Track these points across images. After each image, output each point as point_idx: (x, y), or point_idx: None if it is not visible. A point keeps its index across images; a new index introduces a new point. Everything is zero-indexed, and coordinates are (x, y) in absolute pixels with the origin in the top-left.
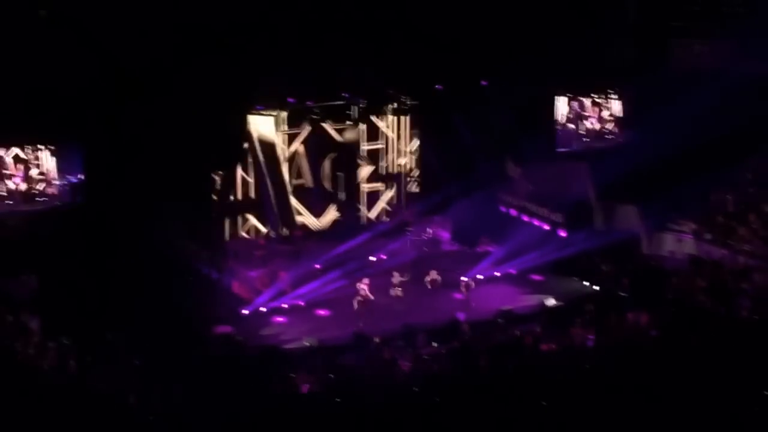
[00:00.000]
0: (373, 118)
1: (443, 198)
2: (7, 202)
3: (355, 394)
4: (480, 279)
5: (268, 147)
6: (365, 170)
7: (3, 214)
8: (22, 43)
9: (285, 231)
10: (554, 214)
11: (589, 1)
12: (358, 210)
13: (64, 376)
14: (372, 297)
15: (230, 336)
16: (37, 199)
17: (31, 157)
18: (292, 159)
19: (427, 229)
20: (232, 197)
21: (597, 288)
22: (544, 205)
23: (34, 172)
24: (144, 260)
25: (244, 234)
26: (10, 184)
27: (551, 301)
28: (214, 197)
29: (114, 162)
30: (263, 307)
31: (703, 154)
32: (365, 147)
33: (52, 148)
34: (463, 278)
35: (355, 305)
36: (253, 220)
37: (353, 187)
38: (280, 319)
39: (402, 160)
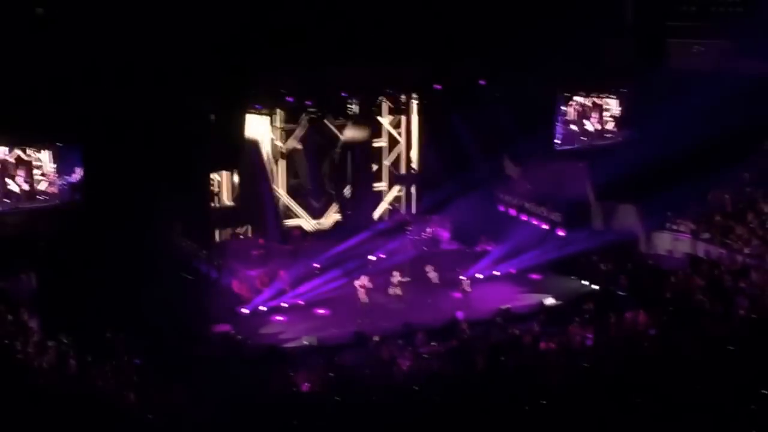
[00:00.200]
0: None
1: (442, 197)
2: (7, 201)
3: (355, 392)
4: (479, 278)
5: (260, 149)
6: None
7: (4, 213)
8: (21, 42)
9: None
10: (553, 214)
11: (587, 1)
12: (371, 210)
13: (64, 375)
14: (368, 292)
15: (229, 335)
16: (37, 197)
17: (32, 157)
18: (289, 156)
19: (427, 229)
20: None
21: (595, 287)
22: (542, 205)
23: (34, 172)
24: (143, 259)
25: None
26: (11, 184)
27: (550, 300)
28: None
29: (113, 161)
30: (262, 306)
31: (701, 153)
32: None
33: (52, 147)
34: (461, 277)
35: (361, 297)
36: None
37: (365, 187)
38: (279, 318)
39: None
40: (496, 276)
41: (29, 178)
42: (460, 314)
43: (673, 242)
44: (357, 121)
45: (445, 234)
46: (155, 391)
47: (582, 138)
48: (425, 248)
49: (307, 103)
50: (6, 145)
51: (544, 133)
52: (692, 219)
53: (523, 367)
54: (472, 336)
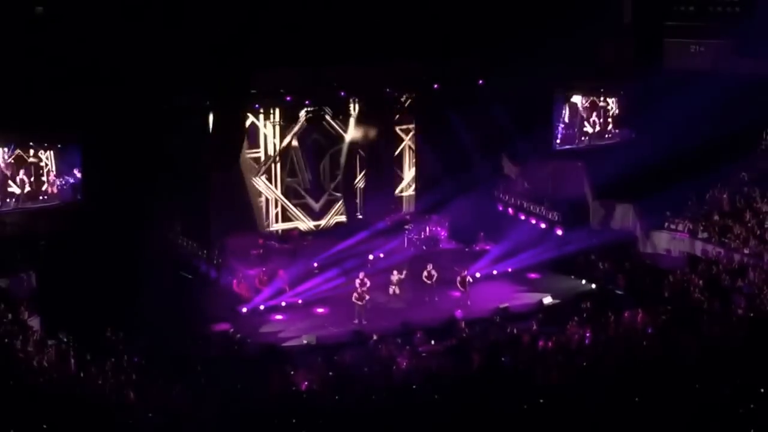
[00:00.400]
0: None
1: (441, 196)
2: (9, 201)
3: (354, 391)
4: (477, 277)
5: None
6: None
7: (5, 213)
8: (20, 42)
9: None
10: (551, 213)
11: (585, 1)
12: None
13: (64, 374)
14: (365, 294)
15: (229, 334)
16: (39, 198)
17: (33, 158)
18: (286, 154)
19: (426, 228)
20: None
21: (594, 286)
22: (541, 204)
23: (35, 173)
24: (143, 258)
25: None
26: (13, 186)
27: (548, 299)
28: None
29: (112, 161)
30: (262, 305)
31: (699, 153)
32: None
33: (53, 148)
34: (460, 276)
35: (356, 297)
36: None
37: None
38: (278, 317)
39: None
40: (494, 275)
41: (30, 179)
42: (458, 313)
43: (671, 241)
44: (364, 121)
45: (443, 233)
46: (155, 390)
47: (580, 138)
48: (424, 247)
49: (306, 102)
50: (5, 146)
51: (542, 132)
52: (690, 218)
53: (521, 366)
54: (471, 335)
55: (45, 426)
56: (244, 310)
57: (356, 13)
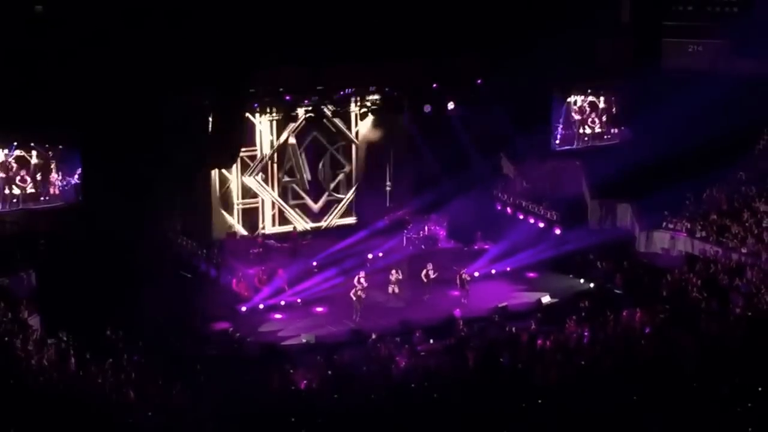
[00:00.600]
0: None
1: (440, 196)
2: (10, 201)
3: (353, 390)
4: (476, 276)
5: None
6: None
7: (6, 213)
8: (20, 41)
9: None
10: (549, 212)
11: (583, 1)
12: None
13: (64, 373)
14: (363, 293)
15: (228, 333)
16: (41, 198)
17: (35, 158)
18: (283, 152)
19: (424, 227)
20: None
21: (592, 285)
22: (539, 203)
23: (37, 173)
24: (143, 257)
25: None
26: (14, 188)
27: (547, 299)
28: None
29: (112, 160)
30: (261, 304)
31: (697, 152)
32: None
33: (53, 149)
34: (459, 275)
35: (353, 297)
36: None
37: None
38: (278, 316)
39: None
40: (493, 274)
41: (32, 180)
42: (457, 312)
43: (669, 241)
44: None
45: (442, 232)
46: (154, 389)
47: (579, 137)
48: (423, 247)
49: (305, 101)
50: (6, 146)
51: (541, 132)
52: (688, 218)
53: (520, 365)
54: (469, 334)
55: (45, 425)
56: (244, 309)
57: (356, 12)
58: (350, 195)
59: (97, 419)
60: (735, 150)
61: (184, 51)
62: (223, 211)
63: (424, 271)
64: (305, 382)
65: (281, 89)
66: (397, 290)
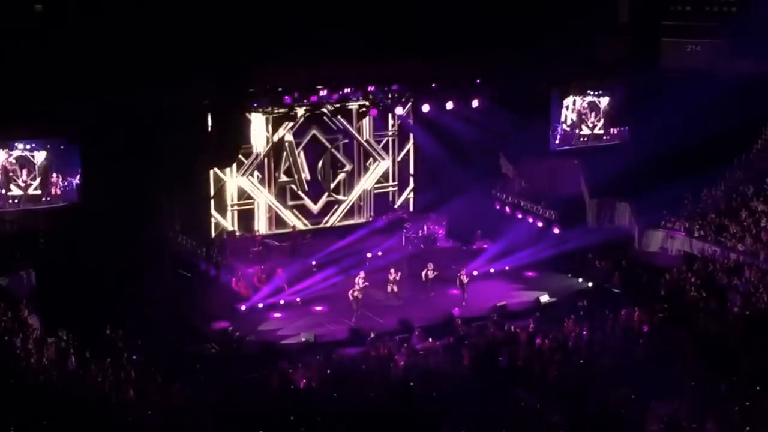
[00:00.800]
0: None
1: (439, 195)
2: (12, 202)
3: (352, 388)
4: (475, 275)
5: None
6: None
7: (7, 213)
8: (20, 40)
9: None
10: (548, 211)
11: (582, 0)
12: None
13: (63, 372)
14: (362, 292)
15: (228, 331)
16: (42, 199)
17: (36, 159)
18: (280, 150)
19: (423, 226)
20: None
21: (590, 284)
22: (538, 202)
23: (37, 174)
24: (142, 256)
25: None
26: (14, 189)
27: (545, 297)
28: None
29: (112, 160)
30: (260, 303)
31: (695, 152)
32: None
33: (54, 149)
34: (458, 277)
35: (351, 297)
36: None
37: None
38: (277, 315)
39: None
40: (492, 273)
41: (33, 181)
42: (456, 311)
43: (667, 240)
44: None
45: (441, 231)
46: (154, 388)
47: (578, 137)
48: (422, 246)
49: (304, 100)
50: (7, 147)
51: (539, 131)
52: (687, 217)
53: (518, 363)
54: (468, 332)
55: (44, 424)
56: (243, 308)
57: (355, 11)
58: (352, 197)
59: (96, 418)
60: (733, 149)
61: (184, 50)
62: (217, 213)
63: (425, 271)
64: (304, 381)
65: (280, 89)
66: (396, 289)
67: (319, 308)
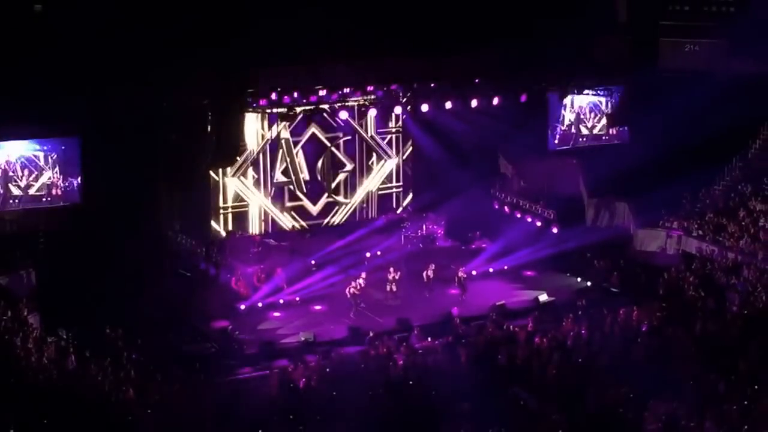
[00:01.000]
0: None
1: (438, 194)
2: (13, 202)
3: (351, 387)
4: (474, 275)
5: None
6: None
7: (7, 213)
8: (20, 39)
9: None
10: (547, 211)
11: (579, 0)
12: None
13: (63, 371)
14: (359, 289)
15: (227, 331)
16: (43, 200)
17: (34, 159)
18: (275, 147)
19: (422, 225)
20: None
21: (589, 283)
22: (536, 202)
23: (37, 173)
24: (142, 256)
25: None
26: (15, 186)
27: (544, 297)
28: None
29: (112, 159)
30: (260, 302)
31: (694, 151)
32: None
33: (56, 150)
34: (456, 275)
35: (348, 295)
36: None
37: None
38: (276, 314)
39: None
40: (490, 273)
41: (34, 181)
42: (455, 310)
43: (665, 239)
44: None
45: (440, 231)
46: (154, 387)
47: (576, 137)
48: (421, 245)
49: (304, 100)
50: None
51: (538, 131)
52: (685, 216)
53: (517, 363)
54: (467, 332)
55: (44, 423)
56: (243, 307)
57: (354, 10)
58: (355, 200)
59: (96, 417)
60: (731, 149)
61: (184, 50)
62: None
63: (426, 271)
64: (304, 380)
65: (279, 89)
66: (395, 288)
67: (318, 307)
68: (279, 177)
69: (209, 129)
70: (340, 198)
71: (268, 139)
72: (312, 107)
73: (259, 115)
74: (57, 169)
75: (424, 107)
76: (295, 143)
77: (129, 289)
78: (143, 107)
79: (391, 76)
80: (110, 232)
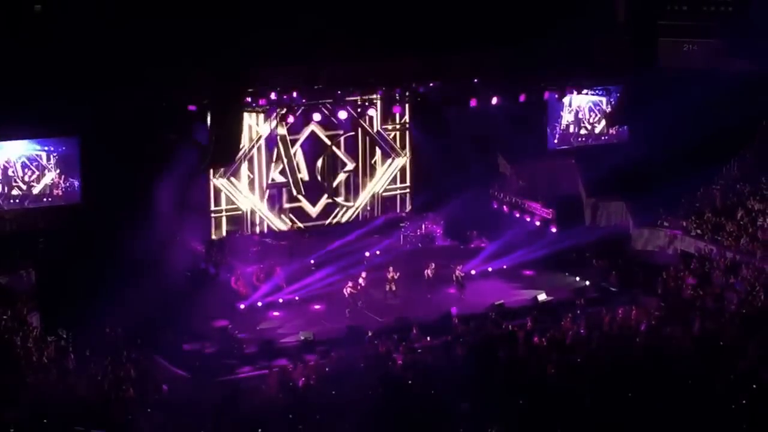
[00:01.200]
0: None
1: (437, 194)
2: (13, 202)
3: (350, 386)
4: (473, 274)
5: None
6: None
7: (7, 212)
8: (20, 39)
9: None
10: (545, 210)
11: (579, 0)
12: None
13: (63, 370)
14: (356, 288)
15: (227, 330)
16: (44, 200)
17: (35, 159)
18: (273, 146)
19: (421, 225)
20: None
21: (587, 283)
22: (535, 201)
23: (38, 174)
24: (142, 255)
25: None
26: (15, 186)
27: (543, 296)
28: None
29: (112, 159)
30: (259, 302)
31: (692, 151)
32: None
33: (57, 150)
34: (456, 273)
35: (345, 294)
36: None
37: None
38: (276, 313)
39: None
40: (489, 272)
41: (35, 182)
42: (454, 310)
43: (664, 238)
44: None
45: (439, 230)
46: (153, 386)
47: (575, 136)
48: (420, 245)
49: (303, 100)
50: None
51: (537, 131)
52: (683, 216)
53: (516, 362)
54: (466, 331)
55: (44, 423)
56: (242, 306)
57: (353, 10)
58: (359, 203)
59: (96, 416)
60: (730, 148)
61: (184, 50)
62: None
63: (427, 270)
64: (303, 379)
65: (279, 88)
66: (394, 288)
67: (317, 307)
68: (276, 177)
69: (209, 129)
70: (341, 200)
71: (261, 136)
72: (311, 104)
73: (258, 112)
74: (57, 168)
75: (424, 107)
76: (293, 141)
77: (129, 290)
78: (143, 107)
79: (390, 76)
80: (110, 232)
